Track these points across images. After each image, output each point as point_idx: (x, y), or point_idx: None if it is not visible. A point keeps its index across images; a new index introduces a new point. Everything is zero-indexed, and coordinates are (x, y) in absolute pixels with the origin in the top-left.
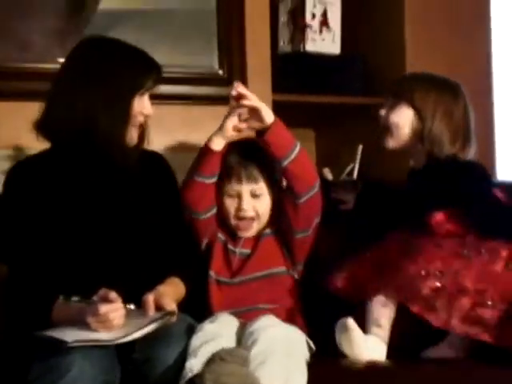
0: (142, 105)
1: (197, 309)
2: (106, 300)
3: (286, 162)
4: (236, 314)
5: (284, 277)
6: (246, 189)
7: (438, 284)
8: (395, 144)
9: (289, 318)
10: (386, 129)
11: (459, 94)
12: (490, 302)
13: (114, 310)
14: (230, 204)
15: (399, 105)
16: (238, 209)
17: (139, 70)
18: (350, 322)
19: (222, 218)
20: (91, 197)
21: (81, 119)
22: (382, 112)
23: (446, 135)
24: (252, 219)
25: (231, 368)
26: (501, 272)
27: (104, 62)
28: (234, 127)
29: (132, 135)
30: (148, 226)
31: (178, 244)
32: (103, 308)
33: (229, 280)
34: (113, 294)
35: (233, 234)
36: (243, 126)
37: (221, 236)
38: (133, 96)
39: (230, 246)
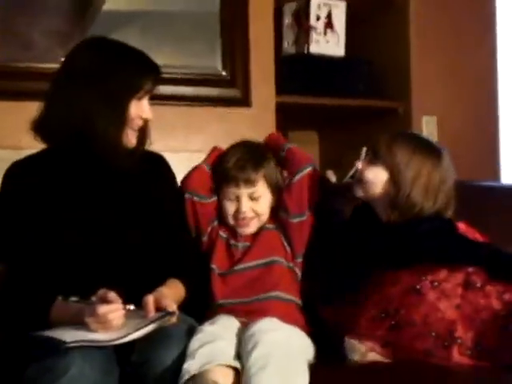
0: (141, 108)
1: (199, 307)
2: (106, 300)
3: None
4: (240, 306)
5: (285, 268)
6: (244, 192)
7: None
8: (364, 196)
9: (290, 312)
10: (359, 180)
11: (442, 159)
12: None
13: (113, 310)
14: (229, 206)
15: (376, 164)
16: (237, 211)
17: (136, 72)
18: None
19: (223, 217)
20: (89, 197)
21: (78, 121)
22: (359, 164)
23: (423, 202)
24: (251, 219)
25: None
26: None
27: (101, 63)
28: None
29: (129, 138)
30: (147, 226)
31: (179, 245)
32: (102, 309)
33: (230, 270)
34: (112, 295)
35: (234, 232)
36: None
37: (222, 234)
38: (129, 99)
39: (232, 241)
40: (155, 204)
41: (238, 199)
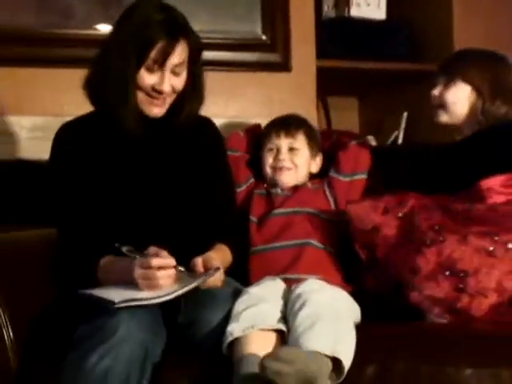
0: (154, 79)
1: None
2: (158, 256)
3: None
4: (275, 252)
5: (320, 220)
6: (284, 142)
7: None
8: (450, 120)
9: (324, 261)
10: (441, 106)
11: (510, 64)
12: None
13: (165, 265)
14: (269, 157)
15: (453, 82)
16: (276, 159)
17: (141, 41)
18: None
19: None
20: (139, 160)
21: (103, 86)
22: (436, 91)
23: (508, 107)
24: (289, 169)
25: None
26: None
27: (117, 28)
28: None
29: (149, 108)
30: (196, 191)
31: (226, 210)
32: (156, 261)
33: (267, 215)
34: (165, 253)
35: (273, 185)
36: None
37: (259, 190)
38: (134, 69)
39: (272, 190)
40: (204, 168)
41: (277, 149)
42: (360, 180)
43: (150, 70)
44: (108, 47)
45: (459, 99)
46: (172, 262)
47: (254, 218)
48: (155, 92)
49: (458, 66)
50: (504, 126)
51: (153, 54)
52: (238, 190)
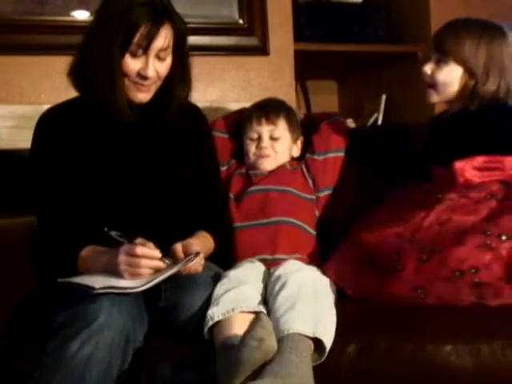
0: (138, 65)
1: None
2: (145, 247)
3: None
4: (254, 229)
5: (299, 198)
6: (265, 130)
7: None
8: (440, 100)
9: (302, 239)
10: (432, 86)
11: (506, 37)
12: None
13: (150, 256)
14: (251, 144)
15: (446, 62)
16: (258, 147)
17: (124, 26)
18: None
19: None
20: (127, 145)
21: (87, 72)
22: (427, 69)
23: (499, 85)
24: (269, 155)
25: None
26: None
27: (99, 13)
28: None
29: (135, 94)
30: (183, 178)
31: (213, 199)
32: (140, 249)
33: (244, 192)
34: (151, 244)
35: (254, 167)
36: None
37: (241, 170)
38: (119, 55)
39: (251, 171)
40: (192, 154)
41: (259, 137)
42: (335, 157)
43: (134, 56)
44: (91, 33)
45: (451, 80)
46: (157, 253)
47: (231, 195)
48: (140, 78)
49: (450, 43)
50: (492, 108)
51: (136, 38)
52: (222, 169)
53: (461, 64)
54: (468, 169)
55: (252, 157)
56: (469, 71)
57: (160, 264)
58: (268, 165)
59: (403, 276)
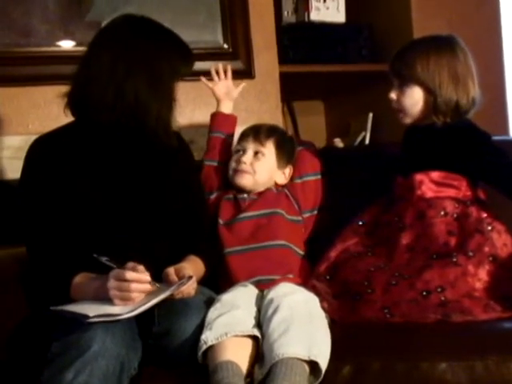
0: (179, 90)
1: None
2: (135, 270)
3: None
4: (246, 254)
5: (286, 220)
6: (251, 145)
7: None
8: (412, 119)
9: (292, 260)
10: (400, 110)
11: (455, 46)
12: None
13: (140, 280)
14: (234, 158)
15: (406, 86)
16: (238, 160)
17: (179, 56)
18: None
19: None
20: (111, 172)
21: (129, 99)
22: (393, 95)
23: (458, 95)
24: (247, 172)
25: None
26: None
27: (146, 44)
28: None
29: (177, 119)
30: (169, 204)
31: (200, 224)
32: (130, 274)
33: (234, 219)
34: (142, 267)
35: (241, 191)
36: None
37: (228, 196)
38: (173, 81)
39: (239, 196)
40: (179, 179)
41: (243, 152)
42: (315, 180)
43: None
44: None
45: (415, 102)
46: (147, 277)
47: (221, 221)
48: None
49: (404, 68)
50: (457, 127)
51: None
52: (211, 197)
53: (419, 84)
54: (426, 182)
55: (231, 171)
56: (426, 88)
57: (150, 287)
58: (245, 181)
59: (372, 298)
